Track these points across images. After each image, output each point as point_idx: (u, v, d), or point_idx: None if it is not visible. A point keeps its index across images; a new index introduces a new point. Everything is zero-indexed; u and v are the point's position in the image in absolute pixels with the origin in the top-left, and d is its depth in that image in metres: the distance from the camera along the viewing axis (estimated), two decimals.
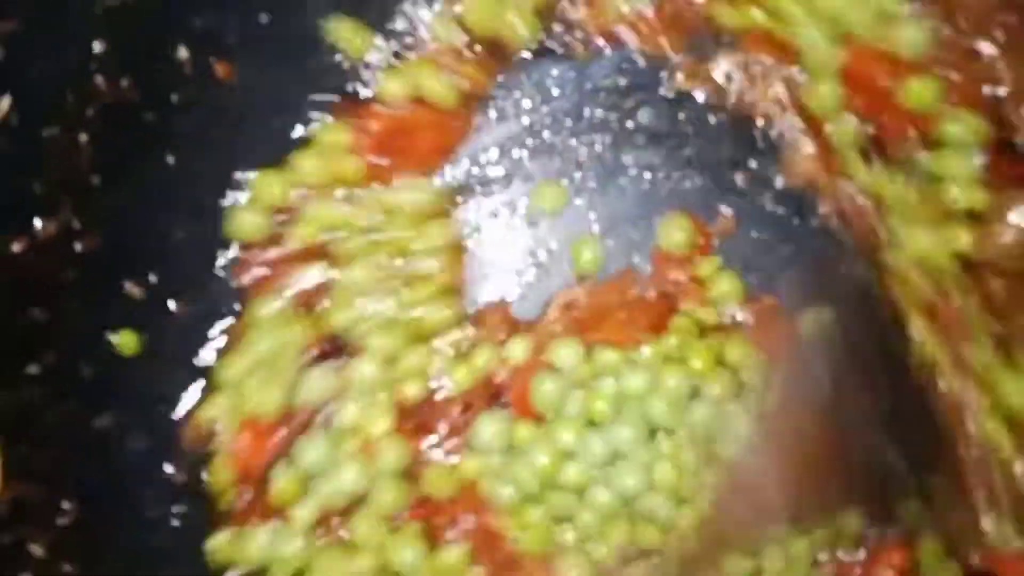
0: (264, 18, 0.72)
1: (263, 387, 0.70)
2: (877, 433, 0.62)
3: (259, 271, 0.72)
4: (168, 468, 0.71)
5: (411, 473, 0.70)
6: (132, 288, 0.71)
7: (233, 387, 0.70)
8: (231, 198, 0.73)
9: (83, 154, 0.68)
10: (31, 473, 0.67)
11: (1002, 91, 0.65)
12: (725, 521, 0.64)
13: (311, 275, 0.71)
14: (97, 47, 0.67)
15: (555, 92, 0.75)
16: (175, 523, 0.70)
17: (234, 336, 0.72)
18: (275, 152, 0.74)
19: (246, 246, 0.72)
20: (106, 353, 0.70)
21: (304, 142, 0.74)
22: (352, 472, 0.69)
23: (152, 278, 0.72)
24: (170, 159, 0.72)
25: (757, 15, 0.69)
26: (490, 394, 0.71)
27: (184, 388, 0.72)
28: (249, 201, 0.72)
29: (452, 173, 0.75)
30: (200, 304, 0.73)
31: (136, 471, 0.70)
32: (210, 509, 0.71)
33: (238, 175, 0.73)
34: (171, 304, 0.73)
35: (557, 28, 0.74)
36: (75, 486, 0.68)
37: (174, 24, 0.70)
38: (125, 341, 0.70)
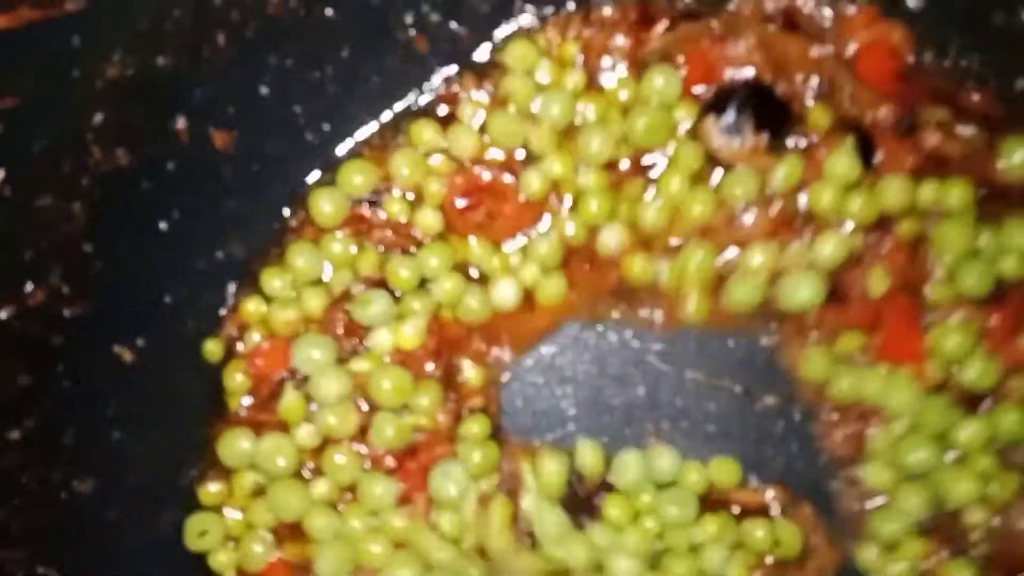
0: (264, 91, 0.73)
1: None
2: None
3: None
4: (150, 533, 0.72)
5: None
6: (121, 352, 0.72)
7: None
8: (222, 266, 0.73)
9: (76, 222, 0.68)
10: (10, 537, 0.67)
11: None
12: None
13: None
14: (96, 118, 0.67)
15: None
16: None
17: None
18: (268, 221, 0.75)
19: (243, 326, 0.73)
20: (89, 417, 0.70)
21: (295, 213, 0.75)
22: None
23: (140, 343, 0.72)
24: (163, 225, 0.72)
25: None
26: None
27: (170, 453, 0.73)
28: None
29: None
30: (189, 369, 0.73)
31: (116, 535, 0.71)
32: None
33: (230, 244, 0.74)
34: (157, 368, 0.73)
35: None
36: (54, 550, 0.69)
37: (174, 95, 0.70)
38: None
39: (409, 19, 0.73)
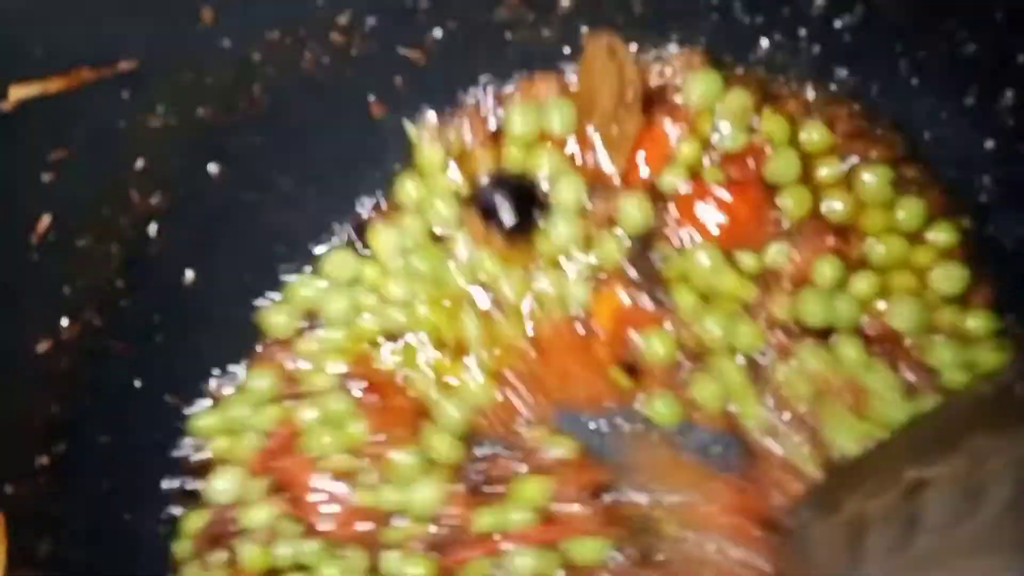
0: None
1: None
2: None
3: None
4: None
5: None
6: (141, 385, 0.75)
7: None
8: (246, 315, 0.78)
9: (112, 261, 0.71)
10: (34, 560, 0.70)
11: None
12: None
13: None
14: (137, 165, 0.70)
15: None
16: None
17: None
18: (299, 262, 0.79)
19: None
20: (114, 448, 0.74)
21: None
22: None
23: (161, 376, 0.76)
24: (189, 272, 0.76)
25: None
26: None
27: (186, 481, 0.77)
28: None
29: None
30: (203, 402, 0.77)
31: (139, 559, 0.75)
32: None
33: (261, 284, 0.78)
34: (168, 399, 0.77)
35: None
36: (76, 572, 0.72)
37: (210, 143, 0.73)
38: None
39: None
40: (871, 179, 0.76)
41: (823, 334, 0.75)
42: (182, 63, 0.69)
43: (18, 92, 0.59)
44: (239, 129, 0.74)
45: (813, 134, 0.77)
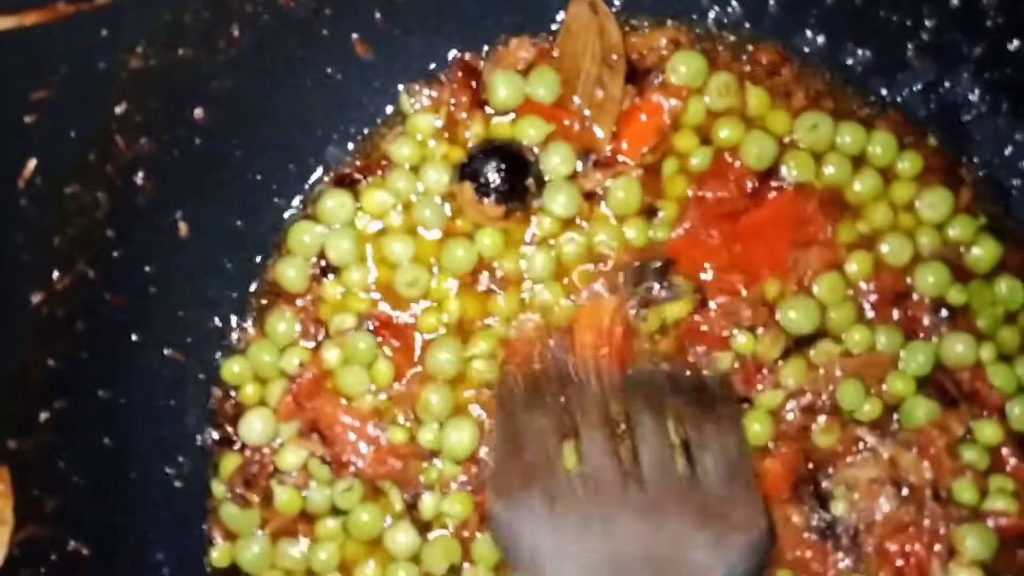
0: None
1: None
2: None
3: None
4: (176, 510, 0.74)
5: None
6: (138, 338, 0.74)
7: None
8: (241, 264, 0.77)
9: (100, 209, 0.70)
10: (43, 515, 0.69)
11: None
12: None
13: None
14: (119, 109, 0.69)
15: None
16: (185, 564, 0.74)
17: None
18: (278, 210, 0.78)
19: None
20: (112, 403, 0.73)
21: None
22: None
23: (159, 328, 0.75)
24: (178, 214, 0.75)
25: None
26: None
27: (191, 436, 0.76)
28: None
29: None
30: (204, 356, 0.76)
31: (143, 512, 0.74)
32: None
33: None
34: (167, 352, 0.76)
35: None
36: (84, 528, 0.71)
37: (192, 86, 0.72)
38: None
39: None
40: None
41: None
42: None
43: None
44: (220, 71, 0.73)
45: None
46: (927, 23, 0.74)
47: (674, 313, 0.76)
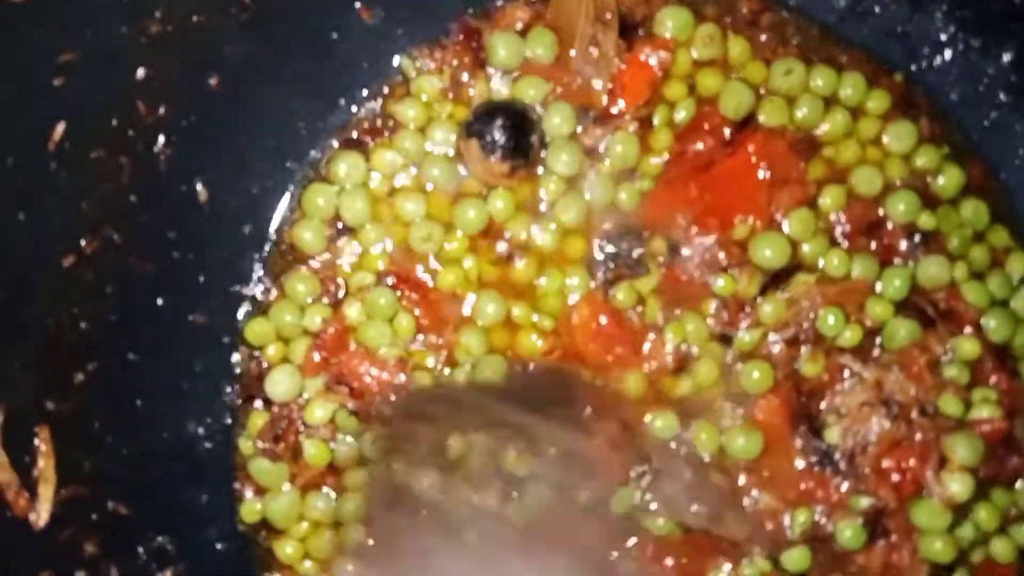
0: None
1: None
2: None
3: None
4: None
5: None
6: (163, 302, 0.76)
7: None
8: (259, 227, 0.80)
9: (124, 174, 0.72)
10: (82, 475, 0.71)
11: None
12: None
13: None
14: (139, 74, 0.71)
15: None
16: (220, 520, 0.76)
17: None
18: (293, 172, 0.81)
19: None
20: (141, 365, 0.75)
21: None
22: None
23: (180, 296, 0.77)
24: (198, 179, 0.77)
25: None
26: None
27: (218, 397, 0.78)
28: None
29: None
30: (227, 319, 0.79)
31: (175, 471, 0.75)
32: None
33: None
34: (191, 316, 0.78)
35: None
36: (120, 488, 0.73)
37: (207, 51, 0.74)
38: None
39: None
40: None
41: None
42: None
43: None
44: (233, 36, 0.75)
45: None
46: None
47: (647, 285, 0.79)
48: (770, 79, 0.81)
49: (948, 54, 0.82)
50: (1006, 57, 0.80)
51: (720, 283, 0.79)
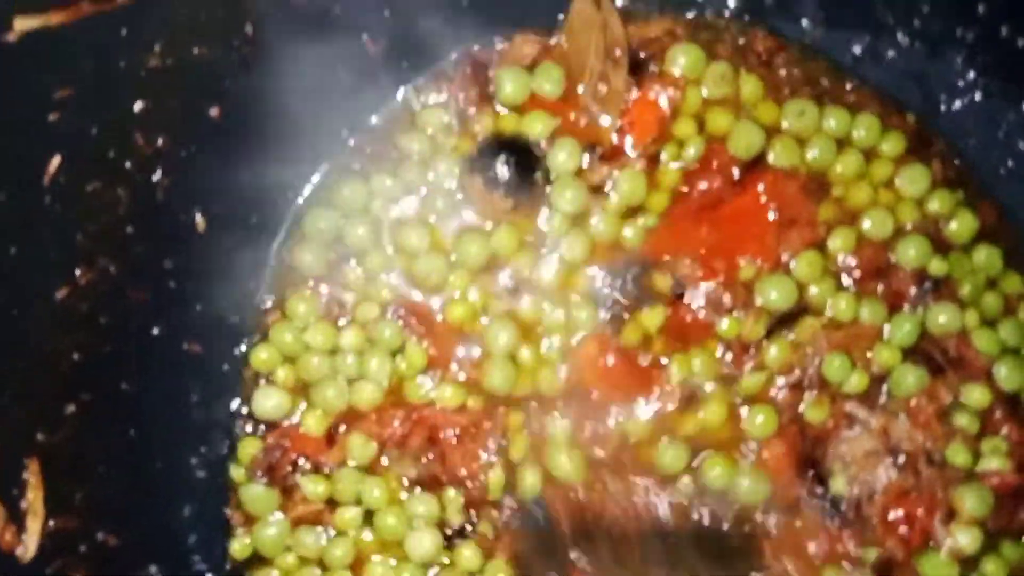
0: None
1: None
2: None
3: None
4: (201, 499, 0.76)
5: None
6: (159, 331, 0.76)
7: None
8: (257, 257, 0.79)
9: (121, 206, 0.72)
10: (72, 506, 0.71)
11: None
12: None
13: None
14: (138, 106, 0.71)
15: None
16: (210, 551, 0.76)
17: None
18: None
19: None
20: (135, 395, 0.74)
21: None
22: None
23: (178, 322, 0.77)
24: (197, 210, 0.77)
25: None
26: None
27: (214, 426, 0.78)
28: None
29: None
30: (224, 347, 0.78)
31: (168, 502, 0.75)
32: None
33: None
34: (188, 344, 0.78)
35: None
36: (111, 518, 0.72)
37: (208, 84, 0.74)
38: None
39: None
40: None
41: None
42: None
43: (22, 24, 0.60)
44: (235, 70, 0.75)
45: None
46: (922, 10, 0.78)
47: (652, 321, 0.78)
48: (783, 119, 0.80)
49: (967, 99, 0.80)
50: None
51: (725, 324, 0.78)
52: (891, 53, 0.80)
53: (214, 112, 0.75)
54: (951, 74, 0.79)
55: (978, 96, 0.79)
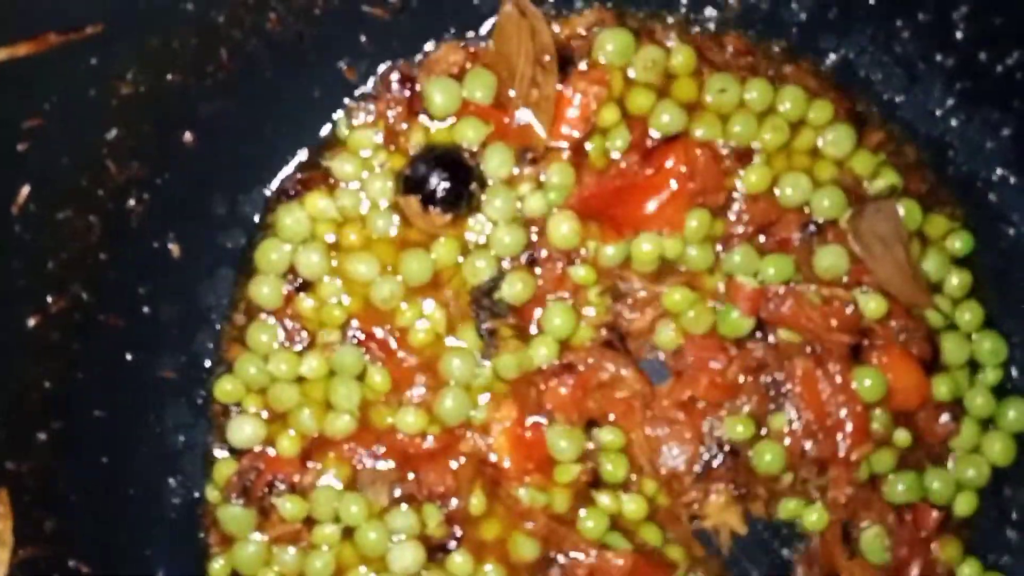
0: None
1: None
2: None
3: None
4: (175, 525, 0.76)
5: None
6: (132, 358, 0.76)
7: None
8: (230, 283, 0.79)
9: (93, 233, 0.72)
10: (43, 535, 0.70)
11: None
12: None
13: None
14: (111, 134, 0.71)
15: None
16: None
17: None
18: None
19: None
20: (108, 422, 0.74)
21: None
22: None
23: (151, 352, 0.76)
24: (171, 235, 0.76)
25: None
26: None
27: (187, 453, 0.78)
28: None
29: None
30: (197, 374, 0.78)
31: (142, 528, 0.75)
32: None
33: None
34: (161, 371, 0.77)
35: None
36: (83, 546, 0.72)
37: (181, 110, 0.74)
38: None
39: None
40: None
41: None
42: (147, 26, 0.69)
43: None
44: (209, 95, 0.74)
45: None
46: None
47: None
48: (704, 94, 0.79)
49: (947, 125, 0.79)
50: (1005, 131, 0.77)
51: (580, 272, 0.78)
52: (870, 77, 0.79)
53: (188, 138, 0.75)
54: (930, 102, 0.78)
55: (958, 123, 0.78)
